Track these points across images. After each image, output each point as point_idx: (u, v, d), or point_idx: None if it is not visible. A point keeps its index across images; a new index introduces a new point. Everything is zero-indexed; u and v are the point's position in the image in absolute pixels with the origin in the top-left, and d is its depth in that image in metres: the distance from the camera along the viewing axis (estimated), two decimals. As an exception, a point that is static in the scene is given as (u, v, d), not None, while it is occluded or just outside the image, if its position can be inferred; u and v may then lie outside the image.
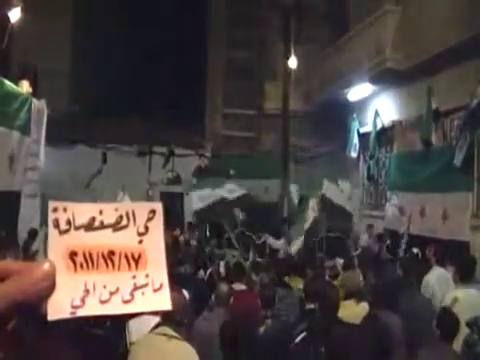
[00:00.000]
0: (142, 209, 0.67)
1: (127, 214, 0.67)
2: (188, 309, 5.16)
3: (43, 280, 0.58)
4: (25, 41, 11.47)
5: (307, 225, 9.24)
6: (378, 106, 11.64)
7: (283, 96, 14.80)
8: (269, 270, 7.18)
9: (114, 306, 0.63)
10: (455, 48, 8.18)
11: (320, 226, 9.32)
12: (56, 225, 0.64)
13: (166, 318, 3.52)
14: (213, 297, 5.07)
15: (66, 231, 0.64)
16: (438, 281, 6.03)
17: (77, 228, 0.65)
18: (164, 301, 0.65)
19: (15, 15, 8.74)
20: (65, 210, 0.65)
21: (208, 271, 7.29)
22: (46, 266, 0.59)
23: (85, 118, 13.71)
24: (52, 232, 0.64)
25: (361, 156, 12.47)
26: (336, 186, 10.00)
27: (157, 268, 0.66)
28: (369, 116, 11.93)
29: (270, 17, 14.80)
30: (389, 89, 11.40)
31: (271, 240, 9.80)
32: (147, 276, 0.65)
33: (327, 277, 6.77)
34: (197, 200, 10.64)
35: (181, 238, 10.00)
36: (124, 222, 0.67)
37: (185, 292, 5.48)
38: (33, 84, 9.53)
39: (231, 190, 10.55)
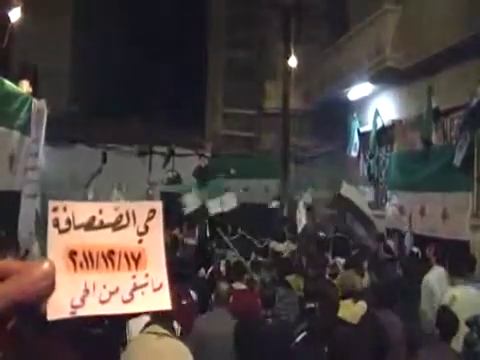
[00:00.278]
0: (142, 208, 0.67)
1: (127, 213, 0.66)
2: (195, 309, 5.18)
3: (43, 280, 0.58)
4: (25, 41, 11.46)
5: (300, 228, 9.24)
6: (378, 105, 11.64)
7: (283, 96, 14.79)
8: (270, 269, 7.18)
9: (114, 306, 0.63)
10: (455, 47, 8.17)
11: (311, 226, 9.30)
12: (56, 224, 0.64)
13: (156, 317, 3.52)
14: (213, 296, 5.07)
15: (66, 230, 0.64)
16: (438, 280, 6.03)
17: (77, 227, 0.65)
18: (164, 301, 0.65)
19: (15, 15, 8.72)
20: (65, 209, 0.65)
21: (209, 270, 7.28)
22: (46, 266, 0.59)
23: (85, 118, 13.71)
24: (52, 231, 0.64)
25: (361, 155, 12.46)
26: (356, 188, 9.98)
27: (157, 268, 0.66)
28: (369, 115, 11.92)
29: (270, 17, 14.79)
30: (389, 88, 11.39)
31: (274, 243, 9.75)
32: (147, 276, 0.65)
33: (327, 276, 6.77)
34: (192, 203, 10.51)
35: (180, 237, 9.99)
36: (124, 221, 0.66)
37: (192, 293, 5.52)
38: (33, 84, 9.51)
39: (225, 202, 10.22)
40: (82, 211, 0.65)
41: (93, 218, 0.65)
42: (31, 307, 0.57)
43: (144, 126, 13.72)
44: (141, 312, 0.64)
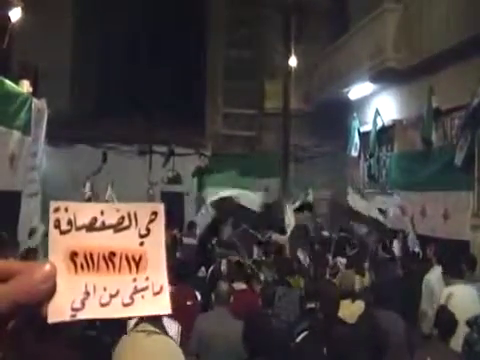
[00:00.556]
0: (144, 210, 0.67)
1: (129, 215, 0.66)
2: (199, 309, 5.19)
3: (44, 282, 0.57)
4: (25, 41, 11.46)
5: (288, 232, 9.22)
6: (379, 105, 11.63)
7: (283, 95, 14.79)
8: (271, 268, 7.18)
9: (114, 309, 0.63)
10: (456, 47, 8.17)
11: (304, 229, 9.28)
12: (57, 225, 0.64)
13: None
14: (213, 296, 5.06)
15: (67, 231, 0.64)
16: (439, 280, 6.03)
17: (78, 228, 0.64)
18: (164, 305, 0.64)
19: (16, 15, 8.73)
20: (66, 210, 0.64)
21: (210, 269, 7.28)
22: (47, 268, 0.59)
23: (85, 117, 13.71)
24: (53, 232, 0.63)
25: (362, 155, 12.46)
26: (360, 196, 9.98)
27: (157, 271, 0.65)
28: (370, 115, 11.92)
29: (270, 16, 14.78)
30: (390, 88, 11.39)
31: (276, 236, 9.75)
32: (147, 279, 0.65)
33: (327, 276, 6.78)
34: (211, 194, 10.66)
35: (178, 236, 10.00)
36: (126, 223, 0.66)
37: (197, 293, 5.52)
38: (33, 84, 9.52)
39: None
40: (84, 212, 0.65)
41: (95, 219, 0.65)
42: (32, 309, 0.57)
43: (144, 125, 13.72)
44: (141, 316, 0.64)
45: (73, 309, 0.61)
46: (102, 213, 0.65)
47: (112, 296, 0.63)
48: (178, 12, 14.77)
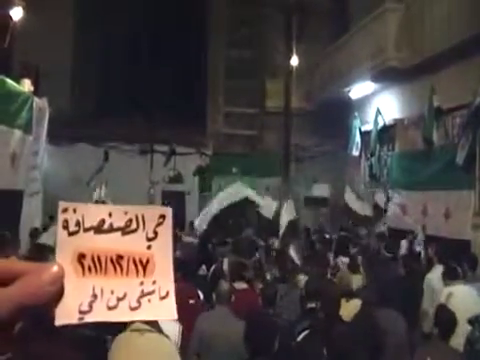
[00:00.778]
0: (152, 213, 0.67)
1: (137, 218, 0.66)
2: (202, 309, 5.18)
3: (51, 284, 0.57)
4: (27, 40, 11.46)
5: (282, 229, 9.19)
6: (380, 104, 11.62)
7: (285, 95, 14.79)
8: (272, 268, 7.18)
9: (121, 313, 0.62)
10: (457, 46, 8.16)
11: (297, 226, 9.24)
12: (65, 226, 0.64)
13: None
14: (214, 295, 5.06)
15: (75, 233, 0.64)
16: (439, 279, 6.03)
17: (86, 230, 0.64)
18: (170, 310, 0.64)
19: (17, 14, 8.74)
20: (75, 211, 0.64)
21: (211, 269, 7.27)
22: (55, 269, 0.58)
23: (86, 117, 13.72)
24: (61, 233, 0.63)
25: (363, 154, 12.45)
26: (356, 196, 9.94)
27: (164, 275, 0.65)
28: (371, 114, 11.90)
29: (271, 16, 14.77)
30: (391, 87, 11.38)
31: (275, 240, 9.74)
32: (154, 283, 0.65)
33: (329, 275, 6.77)
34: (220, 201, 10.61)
35: (178, 235, 10.00)
36: (133, 226, 0.66)
37: (199, 292, 5.52)
38: (34, 83, 9.53)
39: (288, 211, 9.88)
40: (92, 213, 0.65)
41: (103, 221, 0.65)
42: (39, 311, 0.57)
43: (145, 125, 13.72)
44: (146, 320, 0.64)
45: (81, 312, 0.61)
46: (110, 215, 0.65)
47: (119, 299, 0.63)
48: (179, 12, 14.76)
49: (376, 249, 8.87)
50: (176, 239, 9.32)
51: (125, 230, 0.65)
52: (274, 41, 14.88)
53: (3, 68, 8.65)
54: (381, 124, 11.39)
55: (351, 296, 5.31)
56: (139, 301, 0.64)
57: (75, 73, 14.50)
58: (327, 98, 13.30)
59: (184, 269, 5.40)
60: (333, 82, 13.03)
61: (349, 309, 4.90)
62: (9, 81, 7.78)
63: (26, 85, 8.93)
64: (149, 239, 0.66)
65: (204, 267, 7.70)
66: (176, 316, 0.64)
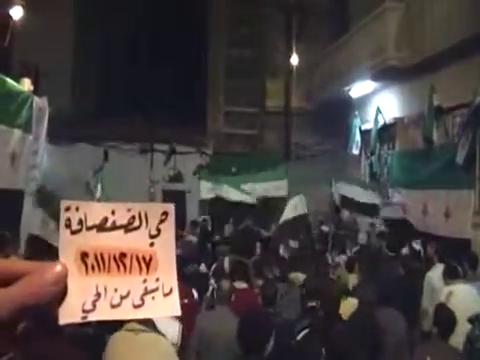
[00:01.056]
0: (155, 210, 0.67)
1: (139, 215, 0.66)
2: (197, 308, 5.18)
3: (54, 284, 0.57)
4: (27, 40, 11.46)
5: (282, 220, 9.04)
6: (380, 103, 11.62)
7: (285, 94, 14.78)
8: (271, 266, 7.17)
9: (125, 311, 0.62)
10: (457, 45, 8.16)
11: (302, 224, 9.11)
12: (68, 225, 0.64)
13: None
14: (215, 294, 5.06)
15: (78, 231, 0.64)
16: (440, 278, 6.03)
17: (89, 228, 0.64)
18: (173, 307, 0.64)
19: (17, 13, 8.73)
20: (77, 209, 0.64)
21: (212, 267, 7.27)
22: (58, 269, 0.58)
23: (86, 116, 13.71)
24: (64, 232, 0.63)
25: (363, 153, 12.46)
26: (346, 183, 9.82)
27: (167, 272, 0.65)
28: (371, 113, 11.91)
29: (271, 15, 14.76)
30: (391, 86, 11.38)
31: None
32: (157, 280, 0.65)
33: (331, 275, 6.78)
34: (207, 191, 10.45)
35: (179, 233, 9.99)
36: (136, 223, 0.66)
37: (194, 291, 5.52)
38: (34, 82, 9.52)
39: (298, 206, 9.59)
40: (95, 212, 0.65)
41: (105, 219, 0.65)
42: (42, 311, 0.57)
43: (145, 124, 13.71)
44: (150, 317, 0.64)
45: (84, 311, 0.61)
46: (113, 213, 0.65)
47: (123, 297, 0.63)
48: (179, 11, 14.75)
49: (377, 248, 8.88)
50: (177, 238, 9.30)
51: (128, 227, 0.65)
52: (274, 40, 14.88)
53: (3, 67, 8.65)
54: (381, 123, 11.39)
55: (348, 294, 5.32)
56: (143, 299, 0.64)
57: (75, 72, 14.49)
58: (327, 97, 13.29)
59: (179, 268, 5.39)
60: (333, 81, 13.03)
61: (346, 308, 4.91)
62: (9, 80, 7.76)
63: (26, 84, 8.92)
64: (152, 236, 0.66)
65: (204, 266, 7.70)
66: (180, 312, 0.64)
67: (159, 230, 0.66)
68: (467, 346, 4.39)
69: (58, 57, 13.19)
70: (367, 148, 12.10)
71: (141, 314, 0.63)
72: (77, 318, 0.60)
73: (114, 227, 0.65)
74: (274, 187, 12.40)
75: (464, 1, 8.39)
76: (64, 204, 0.64)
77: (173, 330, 4.00)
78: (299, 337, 4.24)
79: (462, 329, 4.47)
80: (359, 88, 12.16)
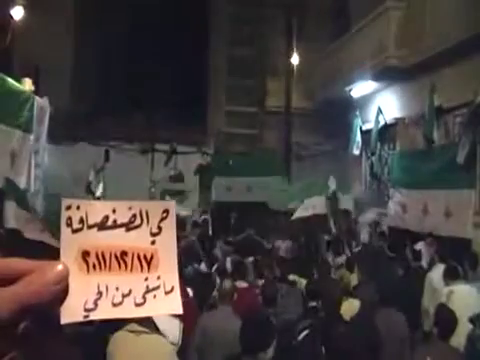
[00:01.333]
0: (156, 208, 0.67)
1: (140, 213, 0.66)
2: (194, 306, 5.18)
3: (56, 283, 0.56)
4: (27, 39, 11.47)
5: (297, 215, 8.97)
6: (381, 103, 11.61)
7: (286, 93, 14.78)
8: (271, 267, 7.17)
9: (126, 309, 0.62)
10: (458, 45, 8.15)
11: (321, 225, 9.07)
12: (69, 224, 0.63)
13: None
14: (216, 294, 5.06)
15: (79, 230, 0.64)
16: (440, 278, 6.03)
17: (90, 227, 0.64)
18: (175, 305, 0.64)
19: (18, 13, 8.74)
20: (78, 208, 0.64)
21: (214, 267, 7.27)
22: (60, 268, 0.57)
23: (87, 116, 13.71)
24: (65, 231, 0.63)
25: (364, 153, 12.46)
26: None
27: (169, 270, 0.65)
28: (372, 113, 11.90)
29: (272, 14, 14.76)
30: (392, 86, 11.37)
31: (280, 243, 9.69)
32: (159, 278, 0.65)
33: (333, 275, 6.79)
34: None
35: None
36: (137, 221, 0.66)
37: (188, 289, 5.51)
38: (35, 82, 9.53)
39: (316, 206, 9.19)
40: (95, 210, 0.65)
41: (106, 217, 0.65)
42: (43, 310, 0.56)
43: (146, 124, 13.72)
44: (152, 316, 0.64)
45: (86, 310, 0.61)
46: (114, 211, 0.65)
47: (124, 296, 0.63)
48: (179, 11, 14.74)
49: (378, 248, 8.87)
50: (179, 238, 9.31)
51: (129, 226, 0.65)
52: (275, 40, 14.87)
53: (3, 68, 8.65)
54: (382, 123, 11.39)
55: (350, 295, 5.32)
56: (144, 297, 0.64)
57: (75, 72, 14.49)
58: (328, 97, 13.29)
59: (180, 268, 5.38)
60: (334, 81, 13.02)
61: (348, 309, 4.90)
62: (9, 80, 7.76)
63: (27, 84, 8.93)
64: (153, 234, 0.66)
65: (203, 265, 7.70)
66: (182, 311, 0.64)
67: (160, 228, 0.66)
68: (468, 346, 4.38)
69: (58, 57, 13.19)
70: (368, 148, 12.09)
71: (143, 312, 0.63)
72: (79, 317, 0.60)
73: (115, 225, 0.65)
74: (274, 186, 12.41)
75: (465, 1, 8.39)
76: (65, 203, 0.64)
77: (174, 329, 3.99)
78: (300, 337, 4.24)
79: (463, 329, 4.46)
80: (360, 88, 12.15)
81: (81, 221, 0.64)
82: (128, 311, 0.63)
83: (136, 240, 0.65)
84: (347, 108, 12.84)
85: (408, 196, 9.66)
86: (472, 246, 7.55)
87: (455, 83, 8.61)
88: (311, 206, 8.98)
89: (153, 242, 0.66)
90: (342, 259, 7.68)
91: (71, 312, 0.59)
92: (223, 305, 4.73)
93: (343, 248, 8.51)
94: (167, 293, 0.64)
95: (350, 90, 12.41)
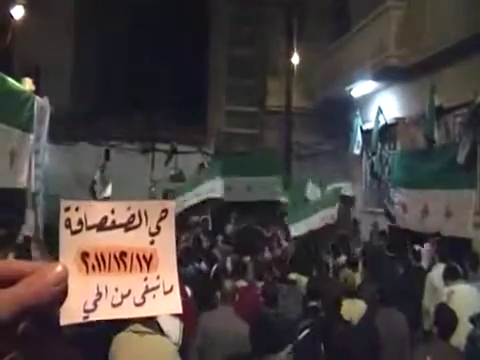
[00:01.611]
0: (154, 208, 0.66)
1: (139, 213, 0.66)
2: (193, 306, 5.18)
3: (55, 284, 0.56)
4: (27, 39, 11.46)
5: (308, 229, 8.90)
6: (381, 103, 11.61)
7: (286, 93, 14.77)
8: (271, 268, 7.17)
9: (125, 310, 0.62)
10: (459, 45, 8.15)
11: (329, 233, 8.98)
12: (68, 225, 0.63)
13: None
14: (218, 294, 5.05)
15: (78, 231, 0.63)
16: (441, 278, 6.02)
17: (89, 228, 0.64)
18: (175, 304, 0.64)
19: (18, 13, 8.74)
20: (77, 209, 0.64)
21: (214, 267, 7.26)
22: (59, 269, 0.57)
23: (87, 115, 13.71)
24: (64, 232, 0.63)
25: (364, 153, 12.45)
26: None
27: (168, 269, 0.65)
28: (372, 113, 11.89)
29: (272, 14, 14.75)
30: (392, 86, 11.36)
31: (281, 233, 9.69)
32: (158, 278, 0.65)
33: (330, 275, 6.78)
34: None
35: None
36: (136, 221, 0.65)
37: (187, 289, 5.51)
38: (35, 82, 9.52)
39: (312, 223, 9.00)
40: (94, 211, 0.64)
41: (105, 218, 0.64)
42: (43, 311, 0.56)
43: (146, 124, 13.71)
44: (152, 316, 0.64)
45: (85, 311, 0.61)
46: (113, 212, 0.65)
47: (124, 296, 0.63)
48: (180, 11, 14.74)
49: (379, 247, 8.87)
50: (178, 240, 9.30)
51: (128, 226, 0.65)
52: (275, 39, 14.86)
53: (4, 67, 8.65)
54: (382, 123, 11.38)
55: (355, 296, 5.29)
56: (144, 297, 0.64)
57: (75, 72, 14.49)
58: (328, 97, 13.28)
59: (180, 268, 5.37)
60: (334, 81, 13.01)
61: (354, 310, 4.89)
62: (10, 80, 7.76)
63: (27, 84, 8.93)
64: (152, 234, 0.66)
65: (203, 264, 7.69)
66: (181, 310, 0.64)
67: (159, 228, 0.66)
68: (469, 346, 4.38)
69: (58, 56, 13.19)
70: (368, 148, 12.08)
71: (142, 312, 0.63)
72: (79, 318, 0.60)
73: (114, 226, 0.65)
74: (273, 187, 12.41)
75: (465, 1, 8.38)
76: (64, 204, 0.64)
77: (174, 329, 4.00)
78: (300, 337, 4.24)
79: (463, 329, 4.46)
80: (360, 88, 12.14)
81: (80, 222, 0.64)
82: (128, 311, 0.62)
83: (135, 240, 0.65)
84: (347, 108, 12.83)
85: (408, 196, 9.66)
86: (472, 246, 7.55)
87: (455, 83, 8.60)
88: (321, 218, 8.81)
89: (152, 242, 0.66)
90: (342, 259, 7.67)
91: (71, 313, 0.59)
92: (224, 305, 4.72)
93: (347, 248, 8.50)
94: (166, 293, 0.64)
95: (350, 90, 12.40)
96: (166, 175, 13.63)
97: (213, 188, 9.35)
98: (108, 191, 9.47)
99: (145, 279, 0.64)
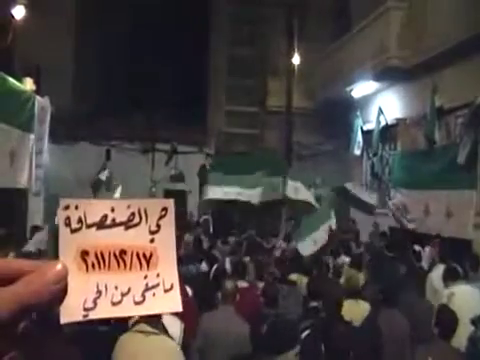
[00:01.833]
0: (154, 206, 0.66)
1: (139, 211, 0.66)
2: (193, 306, 5.17)
3: (55, 283, 0.56)
4: (28, 39, 11.47)
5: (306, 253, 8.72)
6: (382, 103, 11.61)
7: (286, 93, 14.78)
8: (271, 268, 7.17)
9: (125, 308, 0.62)
10: (460, 45, 8.15)
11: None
12: (68, 223, 0.63)
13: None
14: (219, 294, 5.05)
15: (77, 230, 0.63)
16: (441, 278, 6.02)
17: (89, 226, 0.64)
18: (175, 303, 0.64)
19: (19, 13, 8.74)
20: (77, 208, 0.63)
21: (214, 268, 7.25)
22: (59, 267, 0.57)
23: (87, 116, 13.72)
24: (63, 231, 0.63)
25: (365, 154, 12.45)
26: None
27: (168, 267, 0.65)
28: (373, 113, 11.90)
29: (273, 14, 14.76)
30: (393, 86, 11.36)
31: (282, 244, 9.66)
32: (158, 276, 0.65)
33: (330, 275, 6.77)
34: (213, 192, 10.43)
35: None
36: (136, 220, 0.65)
37: (188, 288, 5.51)
38: (36, 82, 9.54)
39: (318, 240, 9.02)
40: (94, 209, 0.64)
41: (105, 217, 0.64)
42: (43, 310, 0.56)
43: (146, 124, 13.73)
44: (152, 314, 0.64)
45: (85, 309, 0.60)
46: (112, 210, 0.65)
47: (124, 294, 0.63)
48: (180, 11, 14.75)
49: (379, 248, 8.87)
50: (179, 240, 9.30)
51: (128, 224, 0.65)
52: (276, 40, 14.87)
53: (5, 66, 8.65)
54: (383, 123, 11.39)
55: (359, 296, 5.28)
56: (143, 295, 0.64)
57: (76, 72, 14.50)
58: (329, 97, 13.29)
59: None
60: (335, 81, 13.02)
61: (357, 310, 4.89)
62: (10, 79, 7.77)
63: (28, 84, 8.94)
64: (152, 232, 0.66)
65: (204, 265, 7.69)
66: (181, 308, 0.64)
67: (159, 226, 0.66)
68: (470, 347, 4.37)
69: (59, 56, 13.20)
70: (369, 148, 12.09)
71: (142, 311, 0.63)
72: (78, 317, 0.60)
73: (114, 224, 0.65)
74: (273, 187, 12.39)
75: (466, 1, 8.38)
76: (63, 202, 0.63)
77: (175, 329, 4.00)
78: (301, 337, 4.23)
79: (464, 330, 4.45)
80: (361, 88, 12.15)
81: (80, 221, 0.63)
82: (127, 310, 0.62)
83: (135, 238, 0.65)
84: (348, 108, 12.84)
85: (409, 196, 9.66)
86: (473, 247, 7.55)
87: (456, 83, 8.60)
88: (314, 241, 8.66)
89: (152, 240, 0.66)
90: (342, 259, 7.67)
91: (70, 311, 0.59)
92: (225, 306, 4.72)
93: (348, 248, 8.49)
94: (166, 291, 0.64)
95: (351, 90, 12.40)
96: (166, 175, 13.64)
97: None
98: (117, 192, 9.47)
99: (145, 277, 0.64)
